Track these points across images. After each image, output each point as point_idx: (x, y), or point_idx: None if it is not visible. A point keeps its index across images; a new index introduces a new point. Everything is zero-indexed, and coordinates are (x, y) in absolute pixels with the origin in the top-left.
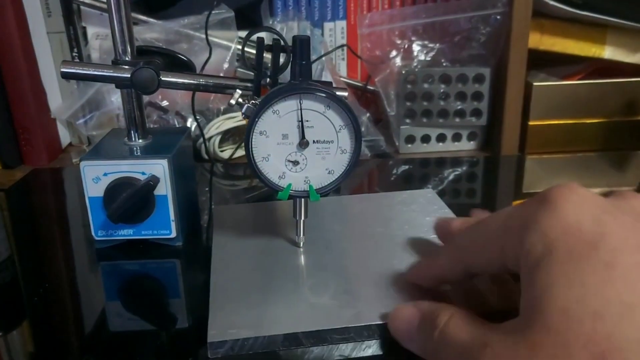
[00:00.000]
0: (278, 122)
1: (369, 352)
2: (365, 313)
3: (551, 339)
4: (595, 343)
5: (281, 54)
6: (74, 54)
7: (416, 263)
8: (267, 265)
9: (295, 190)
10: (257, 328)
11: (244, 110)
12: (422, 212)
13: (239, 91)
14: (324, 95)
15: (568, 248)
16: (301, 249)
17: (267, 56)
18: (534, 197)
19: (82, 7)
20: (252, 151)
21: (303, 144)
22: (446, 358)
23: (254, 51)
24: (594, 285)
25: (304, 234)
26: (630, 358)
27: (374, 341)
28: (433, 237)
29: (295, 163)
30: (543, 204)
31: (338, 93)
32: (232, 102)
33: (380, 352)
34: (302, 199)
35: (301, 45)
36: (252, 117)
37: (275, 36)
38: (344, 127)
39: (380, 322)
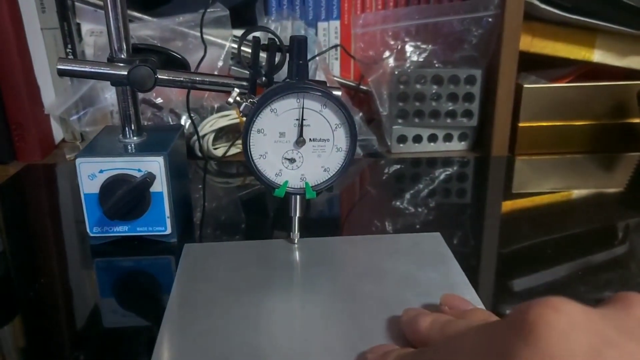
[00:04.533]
0: (275, 121)
1: None
2: None
3: None
4: None
5: (276, 53)
6: (68, 50)
7: (382, 357)
8: (226, 316)
9: (291, 188)
10: None
11: (242, 108)
12: (423, 264)
13: (236, 90)
14: (320, 94)
15: None
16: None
17: (262, 55)
18: (509, 318)
19: (76, 4)
20: (249, 149)
21: (300, 142)
22: None
23: (249, 50)
24: None
25: (298, 231)
26: None
27: None
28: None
29: (292, 161)
30: (521, 333)
31: (333, 92)
32: (230, 100)
33: None
34: (298, 196)
35: (298, 45)
36: (250, 115)
37: (271, 35)
38: (339, 125)
39: None
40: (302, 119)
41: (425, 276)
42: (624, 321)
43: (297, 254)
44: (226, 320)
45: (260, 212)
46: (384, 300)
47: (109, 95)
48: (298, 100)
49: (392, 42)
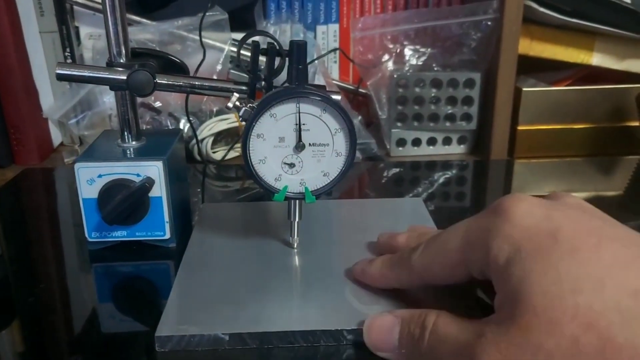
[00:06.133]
0: (275, 125)
1: (318, 357)
2: (313, 319)
3: (540, 318)
4: (581, 314)
5: (276, 58)
6: (67, 53)
7: (368, 265)
8: (236, 265)
9: (291, 192)
10: (206, 326)
11: (241, 113)
12: (408, 221)
13: (236, 94)
14: (320, 99)
15: (533, 244)
16: (290, 251)
17: (261, 59)
18: (487, 210)
19: (75, 7)
20: (249, 154)
21: (299, 146)
22: (441, 356)
23: (248, 54)
24: (565, 267)
25: (297, 235)
26: (613, 321)
27: (317, 346)
28: None
29: (291, 165)
30: (499, 214)
31: (333, 97)
32: (230, 105)
33: (321, 359)
34: (297, 201)
35: (298, 50)
36: (250, 120)
37: (270, 39)
38: (339, 130)
39: (325, 329)
40: (300, 124)
41: (404, 228)
42: (558, 203)
43: None
44: (235, 258)
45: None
46: (367, 245)
47: (107, 99)
48: (297, 105)
49: (391, 46)
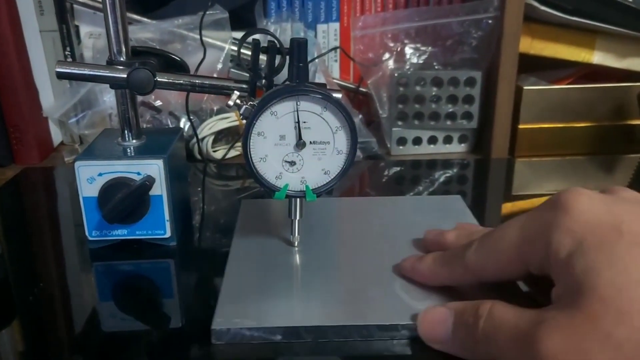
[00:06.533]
0: (276, 123)
1: (372, 351)
2: (366, 314)
3: (608, 307)
4: None
5: (276, 56)
6: (67, 52)
7: (418, 262)
8: (283, 259)
9: (291, 191)
10: (261, 319)
11: (242, 111)
12: (450, 218)
13: (236, 92)
14: (320, 96)
15: (596, 237)
16: (299, 249)
17: (261, 57)
18: (544, 205)
19: (75, 6)
20: (249, 152)
21: (300, 144)
22: (497, 345)
23: (249, 52)
24: (631, 260)
25: (298, 234)
26: None
27: (371, 341)
28: None
29: (292, 163)
30: (558, 208)
31: (333, 95)
32: (230, 103)
33: (375, 353)
34: (298, 199)
35: (298, 48)
36: (250, 118)
37: (270, 38)
38: (340, 128)
39: (379, 323)
40: (299, 122)
41: (448, 226)
42: (617, 197)
43: (336, 208)
44: (281, 252)
45: None
46: (413, 241)
47: (108, 98)
48: (297, 103)
49: (391, 44)
